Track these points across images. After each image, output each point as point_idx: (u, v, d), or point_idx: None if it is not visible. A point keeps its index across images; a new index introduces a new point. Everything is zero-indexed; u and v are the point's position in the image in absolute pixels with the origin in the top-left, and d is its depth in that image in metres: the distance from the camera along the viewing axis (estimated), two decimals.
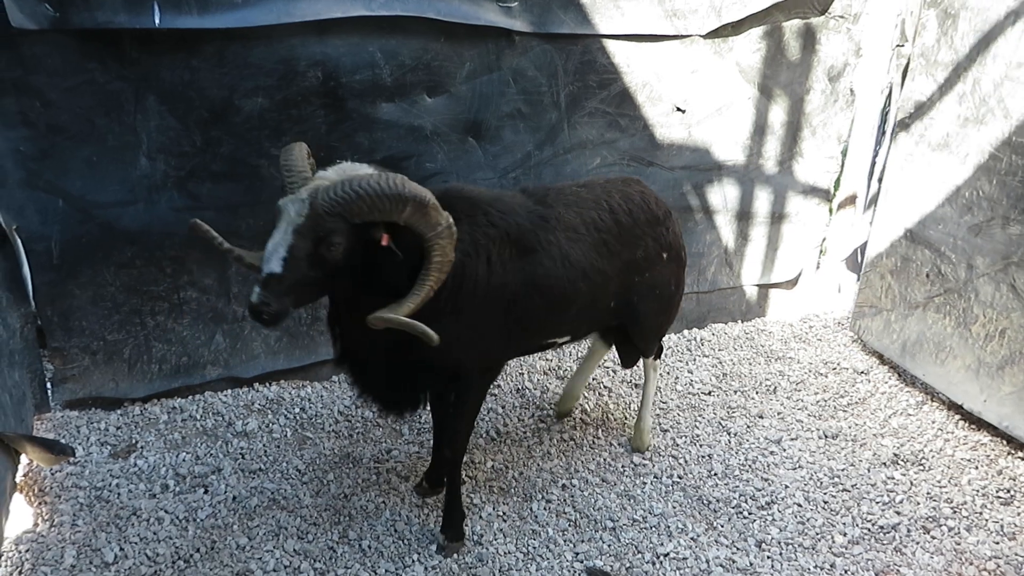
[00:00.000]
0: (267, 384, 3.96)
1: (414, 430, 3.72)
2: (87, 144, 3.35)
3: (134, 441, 3.53)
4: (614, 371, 4.30)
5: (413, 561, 2.96)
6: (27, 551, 2.89)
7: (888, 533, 3.21)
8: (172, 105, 3.42)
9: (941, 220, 4.11)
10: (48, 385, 3.64)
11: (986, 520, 3.28)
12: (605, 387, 4.18)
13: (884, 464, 3.64)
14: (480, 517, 3.19)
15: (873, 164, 4.86)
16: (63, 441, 3.43)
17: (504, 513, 3.23)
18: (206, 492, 3.25)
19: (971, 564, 3.05)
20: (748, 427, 3.91)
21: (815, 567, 3.02)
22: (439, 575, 2.91)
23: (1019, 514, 3.32)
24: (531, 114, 4.04)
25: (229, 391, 3.88)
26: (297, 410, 3.80)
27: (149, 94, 3.37)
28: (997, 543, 3.16)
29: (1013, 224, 3.70)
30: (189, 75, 3.40)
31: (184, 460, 3.41)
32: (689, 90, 4.32)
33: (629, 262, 3.08)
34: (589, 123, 4.18)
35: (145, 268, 3.60)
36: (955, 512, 3.33)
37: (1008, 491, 3.45)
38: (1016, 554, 3.09)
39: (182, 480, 3.31)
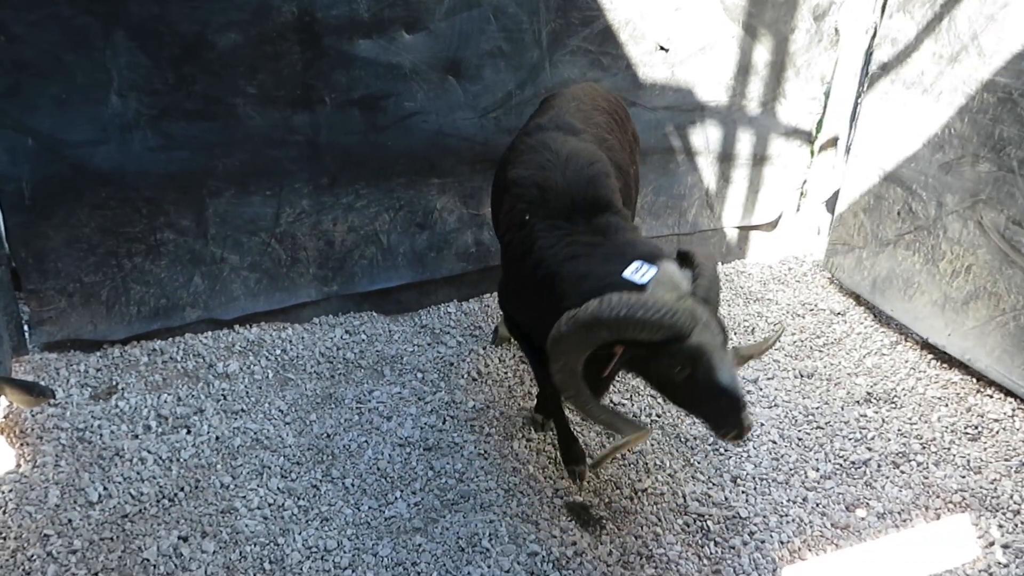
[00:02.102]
0: (247, 326, 3.95)
1: (395, 371, 3.74)
2: (55, 81, 3.25)
3: (115, 383, 3.52)
4: None
5: (396, 498, 3.01)
6: (10, 491, 2.91)
7: (859, 468, 3.30)
8: (142, 41, 3.32)
9: (913, 158, 4.13)
10: (25, 327, 3.61)
11: (954, 455, 3.38)
12: None
13: (857, 402, 3.72)
14: (462, 455, 3.24)
15: (856, 106, 4.84)
16: (43, 383, 3.42)
17: (485, 451, 3.28)
18: (188, 433, 3.27)
19: (938, 497, 3.15)
20: None
21: (788, 501, 3.11)
22: (421, 511, 2.96)
23: (985, 449, 3.42)
24: (512, 52, 3.97)
25: (209, 333, 3.88)
26: (278, 351, 3.81)
27: (118, 29, 3.27)
28: (963, 477, 3.26)
29: (982, 162, 3.73)
30: (159, 9, 3.30)
31: (166, 401, 3.42)
32: (673, 28, 4.25)
33: (631, 151, 3.35)
34: (571, 62, 4.11)
35: (120, 209, 3.55)
36: (924, 448, 3.43)
37: (976, 427, 3.54)
38: (981, 487, 3.19)
39: (164, 421, 3.32)
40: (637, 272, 2.38)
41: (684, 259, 2.54)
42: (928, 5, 3.98)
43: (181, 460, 3.13)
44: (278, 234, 3.87)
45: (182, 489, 2.98)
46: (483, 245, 4.31)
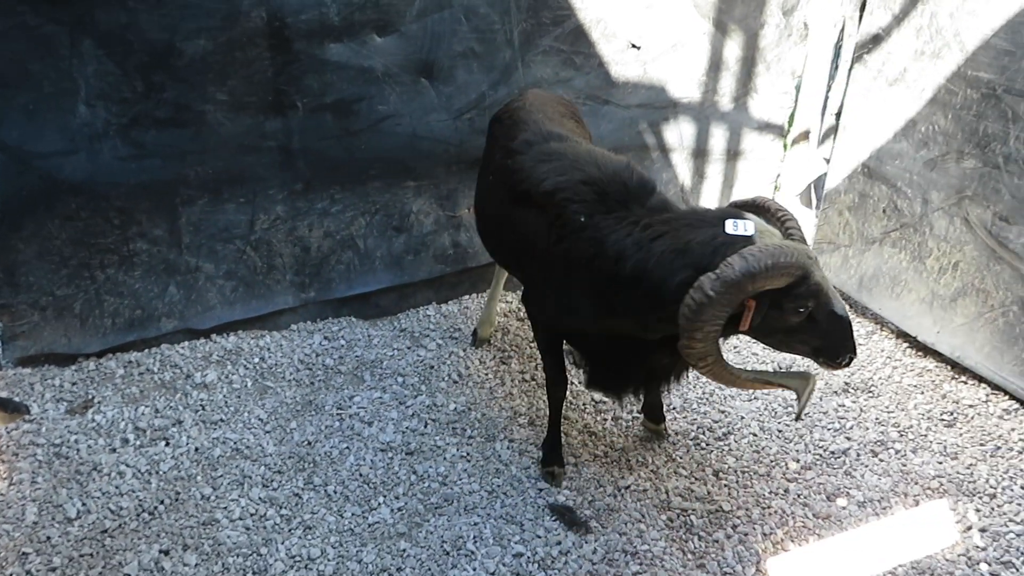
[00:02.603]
0: (224, 335, 3.91)
1: (375, 376, 3.73)
2: (22, 91, 3.21)
3: (91, 396, 3.48)
4: None
5: (379, 504, 3.00)
6: None
7: (839, 458, 3.34)
8: (110, 49, 3.29)
9: (898, 155, 4.17)
10: None
11: (931, 442, 3.42)
12: None
13: (835, 392, 3.76)
14: (444, 458, 3.24)
15: (826, 99, 4.88)
16: (17, 399, 3.37)
17: (468, 454, 3.27)
18: (167, 445, 3.23)
19: (916, 484, 3.19)
20: None
21: (770, 493, 3.13)
22: (405, 516, 2.95)
23: (961, 435, 3.47)
24: (484, 53, 3.96)
25: (186, 343, 3.84)
26: (256, 360, 3.78)
27: (85, 38, 3.23)
28: (940, 463, 3.30)
29: (967, 158, 3.77)
30: (126, 17, 3.27)
31: (143, 414, 3.38)
32: (644, 26, 4.27)
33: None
34: (543, 61, 4.12)
35: (91, 220, 3.50)
36: (902, 435, 3.47)
37: (951, 414, 3.59)
38: (958, 472, 3.24)
39: (142, 434, 3.28)
40: (738, 228, 2.42)
41: (757, 209, 2.65)
42: (909, 0, 4.01)
43: (160, 473, 3.09)
44: (253, 241, 3.84)
45: (162, 502, 2.95)
46: (460, 247, 4.30)
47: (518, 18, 3.97)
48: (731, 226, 2.42)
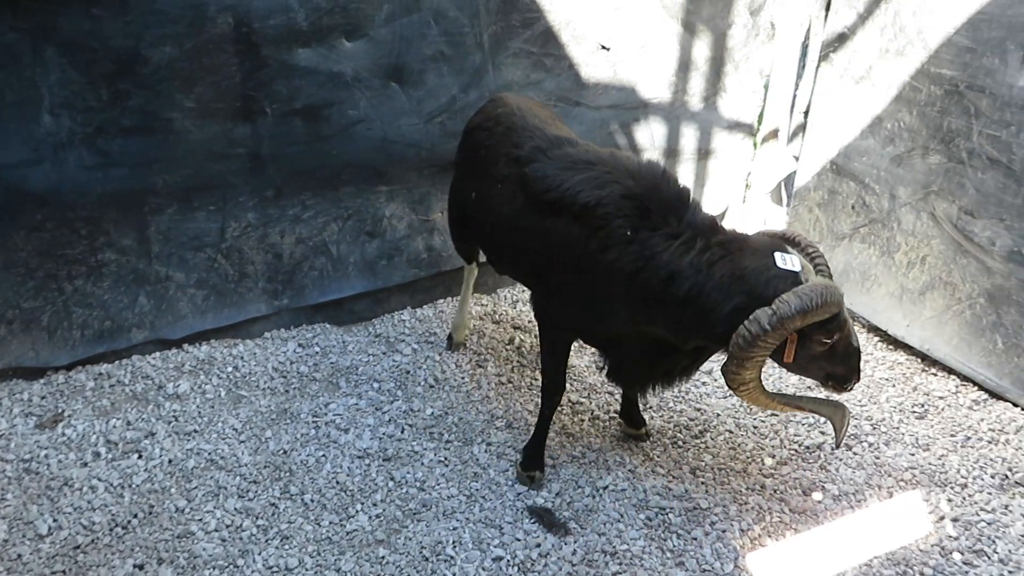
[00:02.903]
0: (197, 344, 3.87)
1: (351, 382, 3.70)
2: None
3: (60, 410, 3.42)
4: None
5: (357, 511, 2.97)
6: None
7: (813, 452, 3.37)
8: (73, 57, 3.24)
9: (865, 152, 4.22)
10: None
11: (903, 434, 3.47)
12: None
13: (808, 387, 3.79)
14: (422, 464, 3.22)
15: (794, 98, 4.94)
16: None
17: (445, 458, 3.26)
18: (140, 457, 3.19)
19: (889, 476, 3.23)
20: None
21: (747, 489, 3.15)
22: (383, 523, 2.94)
23: (932, 426, 3.52)
24: (454, 56, 3.96)
25: (157, 353, 3.79)
26: (230, 369, 3.74)
27: (47, 46, 3.18)
28: (913, 454, 3.35)
29: (932, 154, 3.83)
30: (90, 24, 3.22)
31: (115, 426, 3.33)
32: (613, 27, 4.29)
33: None
34: (514, 64, 4.12)
35: (58, 231, 3.45)
36: (874, 428, 3.51)
37: (922, 406, 3.64)
38: (930, 463, 3.29)
39: (114, 447, 3.24)
40: (786, 263, 2.57)
41: (790, 242, 2.77)
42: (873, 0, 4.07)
43: (133, 486, 3.05)
44: (224, 249, 3.80)
45: (135, 516, 2.91)
46: (434, 251, 4.29)
47: (487, 21, 3.97)
48: (780, 260, 2.57)
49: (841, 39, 4.29)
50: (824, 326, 2.50)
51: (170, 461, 3.17)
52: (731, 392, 3.71)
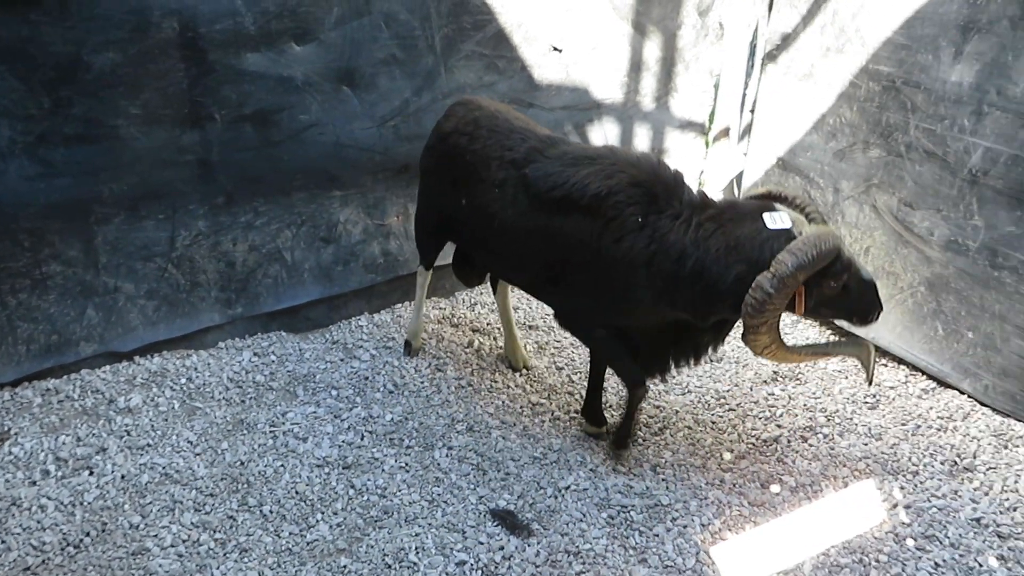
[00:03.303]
0: (148, 356, 3.78)
1: (309, 390, 3.66)
2: None
3: (6, 428, 3.31)
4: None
5: (317, 521, 2.94)
6: None
7: (771, 446, 3.42)
8: (11, 64, 3.14)
9: (809, 147, 4.31)
10: None
11: (856, 424, 3.54)
12: (500, 331, 4.22)
13: (765, 382, 3.86)
14: (382, 470, 3.20)
15: (744, 96, 5.02)
16: None
17: (406, 464, 3.24)
18: (91, 474, 3.10)
19: (844, 466, 3.30)
20: None
21: (706, 484, 3.19)
22: (345, 531, 2.90)
23: (884, 416, 3.60)
24: (406, 59, 3.94)
25: (107, 367, 3.69)
26: (183, 380, 3.66)
27: None
28: (866, 444, 3.42)
29: (872, 148, 3.93)
30: (28, 30, 3.13)
31: (64, 443, 3.24)
32: (564, 29, 4.31)
33: None
34: (466, 66, 4.11)
35: None
36: (829, 420, 3.58)
37: (874, 396, 3.73)
38: (883, 452, 3.36)
39: (64, 464, 3.15)
40: (776, 222, 2.67)
41: (777, 199, 2.87)
42: None
43: (85, 503, 2.97)
44: (175, 258, 3.72)
45: (88, 534, 2.83)
46: (391, 255, 4.26)
47: (439, 24, 3.96)
48: (770, 221, 2.67)
49: (784, 39, 4.38)
50: (828, 272, 2.62)
51: (123, 477, 3.10)
52: (687, 390, 3.75)
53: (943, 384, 3.77)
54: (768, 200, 2.86)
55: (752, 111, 4.80)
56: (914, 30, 3.67)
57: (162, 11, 3.33)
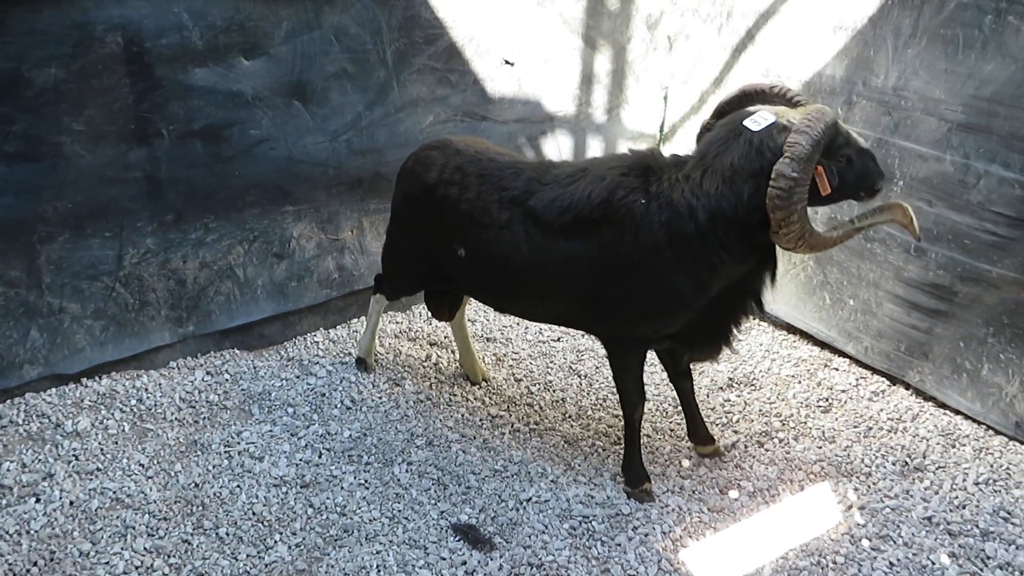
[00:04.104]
0: (96, 378, 3.67)
1: (264, 408, 3.59)
2: None
3: None
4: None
5: (275, 542, 2.88)
6: None
7: (728, 451, 3.46)
8: None
9: None
10: None
11: (810, 428, 3.61)
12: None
13: (721, 388, 3.91)
14: (342, 488, 3.15)
15: (691, 108, 5.11)
16: None
17: (366, 481, 3.20)
18: (38, 501, 3.00)
19: (800, 469, 3.36)
20: (597, 368, 4.07)
21: (666, 491, 3.21)
22: (304, 552, 2.85)
23: (837, 419, 3.67)
24: (358, 73, 3.92)
25: (53, 390, 3.58)
26: (134, 402, 3.57)
27: None
28: (820, 448, 3.48)
29: None
30: None
31: (8, 470, 3.12)
32: (516, 43, 4.34)
33: None
34: (419, 80, 4.11)
35: None
36: (784, 424, 3.64)
37: (827, 400, 3.80)
38: (836, 455, 3.43)
39: (8, 492, 3.03)
40: (759, 122, 2.64)
41: (751, 97, 2.87)
42: (710, 3, 4.50)
43: (31, 532, 2.86)
44: (122, 277, 3.63)
45: (35, 564, 2.73)
46: (346, 270, 4.22)
47: (390, 38, 3.96)
48: (752, 124, 2.64)
49: (687, 39, 4.72)
50: (833, 147, 2.62)
51: (71, 503, 3.00)
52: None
53: (831, 349, 4.12)
54: (744, 100, 2.86)
55: (669, 126, 5.08)
56: (794, 30, 4.07)
57: (105, 26, 3.27)
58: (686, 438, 3.53)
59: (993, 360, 3.46)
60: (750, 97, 2.88)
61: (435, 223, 3.21)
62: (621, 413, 3.22)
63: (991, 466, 3.31)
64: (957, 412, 3.62)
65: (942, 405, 3.67)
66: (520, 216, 2.97)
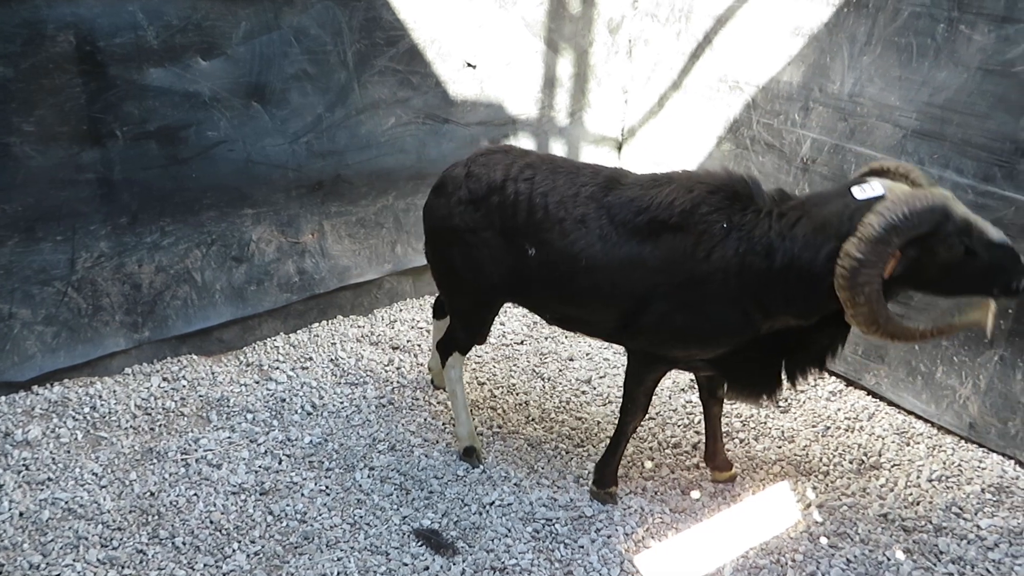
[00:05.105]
0: (48, 385, 3.58)
1: (222, 415, 3.53)
2: None
3: None
4: (428, 333, 4.31)
5: (234, 551, 2.83)
6: None
7: (690, 452, 3.49)
8: None
9: (674, 147, 4.71)
10: None
11: (770, 428, 3.66)
12: (420, 348, 4.18)
13: (683, 390, 3.94)
14: (302, 494, 3.11)
15: (650, 111, 5.16)
16: None
17: (327, 487, 3.16)
18: None
19: (760, 469, 3.39)
20: (560, 371, 4.08)
21: (629, 493, 3.22)
22: (263, 560, 2.81)
23: (795, 419, 3.72)
24: (318, 75, 3.88)
25: (3, 398, 3.48)
26: (87, 409, 3.48)
27: None
28: (780, 447, 3.53)
29: (725, 142, 4.41)
30: None
31: None
32: (478, 45, 4.33)
33: None
34: (380, 82, 4.08)
35: None
36: (744, 425, 3.68)
37: (786, 400, 3.86)
38: (795, 454, 3.47)
39: None
40: (866, 192, 2.48)
41: (877, 174, 2.70)
42: (668, 7, 4.57)
43: None
44: (75, 282, 3.55)
45: None
46: (306, 274, 4.17)
47: (351, 39, 3.92)
48: (859, 192, 2.50)
49: (646, 44, 4.77)
50: (940, 234, 2.39)
51: (21, 514, 2.92)
52: (608, 400, 3.78)
53: (850, 384, 3.96)
54: (864, 176, 2.72)
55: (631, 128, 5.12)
56: (751, 36, 4.13)
57: (57, 24, 3.19)
58: (648, 439, 3.55)
59: (947, 363, 3.52)
60: (878, 173, 2.72)
61: (504, 223, 3.02)
62: (608, 417, 3.21)
63: (944, 463, 3.38)
64: (911, 413, 3.70)
65: (896, 406, 3.74)
66: (596, 212, 2.88)
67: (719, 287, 2.70)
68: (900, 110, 3.55)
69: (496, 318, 3.38)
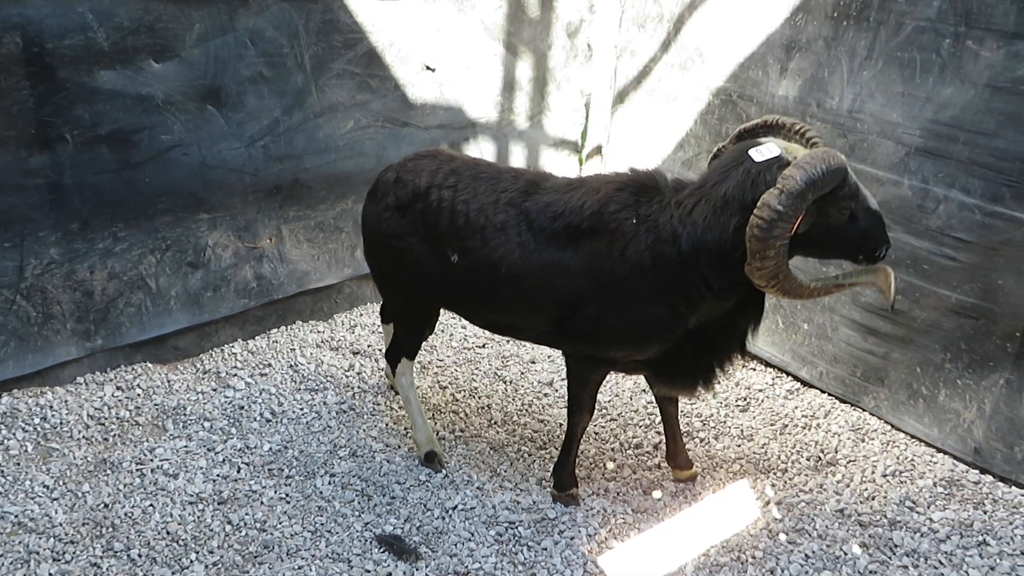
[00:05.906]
0: None
1: (179, 423, 3.47)
2: None
3: None
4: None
5: (191, 562, 2.78)
6: None
7: (651, 453, 3.52)
8: None
9: (660, 158, 4.61)
10: None
11: (729, 427, 3.70)
12: (382, 353, 4.15)
13: (644, 391, 3.96)
14: (261, 503, 3.07)
15: (612, 115, 5.19)
16: None
17: (287, 495, 3.12)
18: None
19: (720, 468, 3.43)
20: (522, 373, 4.08)
21: (591, 494, 3.24)
22: (222, 570, 2.76)
23: (754, 418, 3.78)
24: (275, 77, 3.84)
25: None
26: (37, 420, 3.39)
27: None
28: (739, 446, 3.58)
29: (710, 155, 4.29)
30: None
31: None
32: (437, 48, 4.32)
33: None
34: (338, 85, 4.05)
35: None
36: (704, 424, 3.72)
37: (745, 399, 3.91)
38: (755, 452, 3.52)
39: None
40: (763, 154, 2.51)
41: (769, 129, 2.76)
42: (658, 20, 4.47)
43: None
44: (24, 289, 3.45)
45: None
46: (264, 279, 4.12)
47: (308, 42, 3.89)
48: (756, 154, 2.53)
49: (632, 55, 4.67)
50: (835, 197, 2.47)
51: None
52: (556, 406, 3.81)
53: (805, 384, 4.01)
54: (760, 130, 2.77)
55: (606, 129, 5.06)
56: (746, 48, 4.02)
57: (3, 25, 3.11)
58: (610, 440, 3.57)
59: (951, 386, 3.41)
60: (770, 128, 2.77)
61: (429, 230, 3.04)
62: (565, 420, 3.17)
63: (897, 458, 3.46)
64: (913, 436, 3.61)
65: (899, 429, 3.66)
66: (516, 218, 2.90)
67: (639, 283, 2.76)
68: (903, 127, 3.41)
69: (457, 321, 3.37)
